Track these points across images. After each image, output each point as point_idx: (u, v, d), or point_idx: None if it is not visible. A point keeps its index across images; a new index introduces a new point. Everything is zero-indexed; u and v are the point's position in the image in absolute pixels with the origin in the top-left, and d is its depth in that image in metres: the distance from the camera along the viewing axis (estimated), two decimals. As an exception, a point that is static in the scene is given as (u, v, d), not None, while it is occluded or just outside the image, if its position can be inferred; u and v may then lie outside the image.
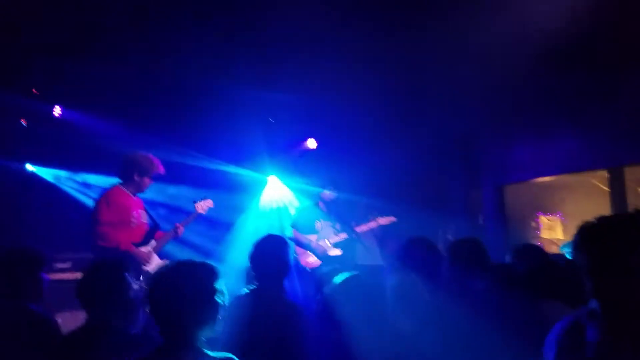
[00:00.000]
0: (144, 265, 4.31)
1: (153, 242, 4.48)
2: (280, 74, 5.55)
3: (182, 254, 5.46)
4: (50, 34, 4.70)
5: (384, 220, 5.77)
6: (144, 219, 4.50)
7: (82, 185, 6.26)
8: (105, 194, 4.34)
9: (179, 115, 6.10)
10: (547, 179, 6.85)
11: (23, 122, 5.79)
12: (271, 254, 2.81)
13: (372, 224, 5.75)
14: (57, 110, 5.82)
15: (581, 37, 4.61)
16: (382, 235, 6.24)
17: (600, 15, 4.36)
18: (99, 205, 4.27)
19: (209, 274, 1.85)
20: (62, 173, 6.27)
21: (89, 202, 5.84)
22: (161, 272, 1.87)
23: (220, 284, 1.86)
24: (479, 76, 5.30)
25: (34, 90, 5.58)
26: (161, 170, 4.49)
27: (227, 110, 6.17)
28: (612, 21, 4.48)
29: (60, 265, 4.91)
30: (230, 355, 1.83)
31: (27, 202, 5.84)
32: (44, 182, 6.17)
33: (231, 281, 3.55)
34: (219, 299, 1.84)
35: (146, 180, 4.42)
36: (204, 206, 4.94)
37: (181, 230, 4.69)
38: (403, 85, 5.76)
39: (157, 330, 1.81)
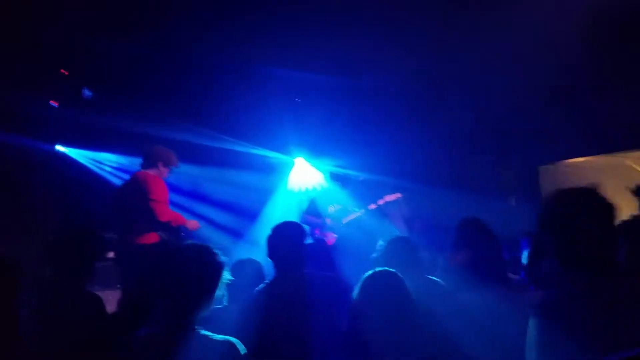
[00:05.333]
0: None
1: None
2: (309, 52, 5.45)
3: (212, 235, 5.48)
4: (82, 12, 4.67)
5: (390, 197, 5.79)
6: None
7: (109, 166, 6.30)
8: (150, 176, 4.49)
9: (203, 95, 6.06)
10: (581, 160, 6.70)
11: (53, 103, 5.82)
12: (288, 242, 2.77)
13: (379, 202, 5.77)
14: (85, 92, 5.84)
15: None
16: (410, 217, 6.19)
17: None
18: (151, 185, 4.40)
19: (213, 260, 1.93)
20: (91, 154, 6.31)
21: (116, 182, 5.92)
22: (167, 255, 2.06)
23: (221, 270, 1.95)
24: (514, 54, 5.16)
25: (62, 71, 5.58)
26: (177, 165, 4.74)
27: (253, 91, 6.11)
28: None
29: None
30: (233, 339, 1.86)
31: (56, 183, 5.89)
32: (73, 163, 6.21)
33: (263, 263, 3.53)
34: (219, 282, 1.93)
35: (167, 170, 4.65)
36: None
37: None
38: (433, 65, 5.63)
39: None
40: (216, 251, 1.98)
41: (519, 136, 6.55)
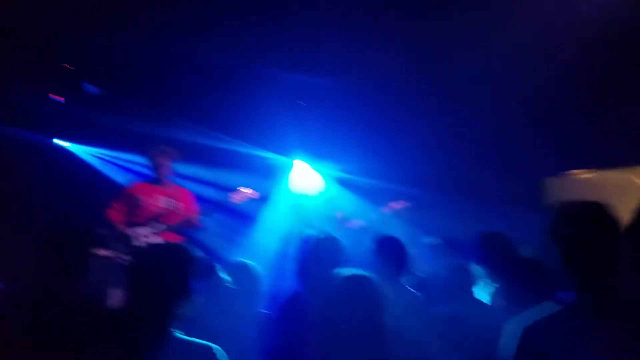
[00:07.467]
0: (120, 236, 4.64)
1: (160, 225, 4.75)
2: (312, 54, 5.40)
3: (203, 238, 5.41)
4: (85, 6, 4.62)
5: (396, 205, 5.75)
6: (161, 203, 4.82)
7: (112, 162, 6.24)
8: (127, 187, 4.95)
9: (204, 95, 5.99)
10: (587, 173, 6.68)
11: (54, 97, 5.75)
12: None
13: (384, 209, 5.76)
14: (89, 87, 5.78)
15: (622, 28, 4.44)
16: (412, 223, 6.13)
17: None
18: (118, 195, 4.88)
19: (185, 258, 1.84)
20: (92, 150, 6.25)
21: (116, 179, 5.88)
22: (138, 252, 1.87)
23: (194, 268, 1.84)
24: (520, 65, 5.12)
25: (66, 65, 5.52)
26: (170, 157, 4.84)
27: (254, 91, 6.05)
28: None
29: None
30: (213, 345, 1.78)
31: (55, 178, 5.82)
32: (72, 157, 6.15)
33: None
34: (194, 284, 1.83)
35: (159, 170, 4.82)
36: (241, 196, 5.01)
37: (196, 220, 4.87)
38: (440, 68, 5.58)
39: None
40: (188, 247, 1.89)
41: (526, 146, 6.50)
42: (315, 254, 2.79)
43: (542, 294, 2.06)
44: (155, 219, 4.78)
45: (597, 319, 1.55)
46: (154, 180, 4.90)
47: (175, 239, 4.78)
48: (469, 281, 2.95)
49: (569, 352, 1.52)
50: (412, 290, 2.92)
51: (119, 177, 6.04)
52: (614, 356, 1.47)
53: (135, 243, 4.64)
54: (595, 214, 1.66)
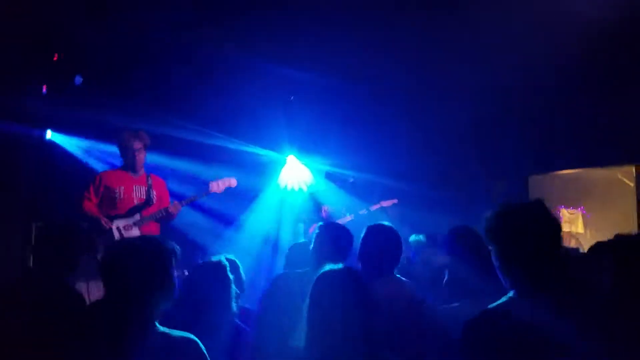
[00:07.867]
0: (101, 230, 4.48)
1: (137, 216, 4.61)
2: (303, 50, 5.41)
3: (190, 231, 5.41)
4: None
5: (386, 203, 5.78)
6: (137, 194, 4.69)
7: (101, 155, 6.21)
8: (98, 175, 4.76)
9: (194, 89, 5.97)
10: (572, 171, 6.72)
11: (43, 88, 5.73)
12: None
13: (375, 207, 5.78)
14: (78, 79, 5.76)
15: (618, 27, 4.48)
16: (400, 221, 6.17)
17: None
18: (90, 183, 4.67)
19: (162, 252, 1.83)
20: (83, 142, 6.22)
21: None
22: (114, 246, 1.97)
23: (172, 263, 1.85)
24: (507, 63, 5.16)
25: (55, 57, 5.50)
26: (142, 141, 4.67)
27: (246, 87, 6.06)
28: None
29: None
30: (192, 336, 1.80)
31: (46, 170, 5.82)
32: (63, 150, 6.13)
33: (245, 264, 3.50)
34: (172, 276, 1.83)
35: (134, 155, 4.63)
36: (221, 185, 4.93)
37: (174, 209, 4.71)
38: (427, 68, 5.61)
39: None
40: (165, 240, 1.90)
41: (511, 144, 6.53)
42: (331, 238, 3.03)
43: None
44: (131, 209, 4.64)
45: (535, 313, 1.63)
46: (128, 168, 4.74)
47: (153, 230, 4.68)
48: (456, 275, 2.99)
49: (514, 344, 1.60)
50: (404, 281, 2.94)
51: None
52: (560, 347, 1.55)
53: (113, 235, 4.48)
54: (526, 216, 1.73)
